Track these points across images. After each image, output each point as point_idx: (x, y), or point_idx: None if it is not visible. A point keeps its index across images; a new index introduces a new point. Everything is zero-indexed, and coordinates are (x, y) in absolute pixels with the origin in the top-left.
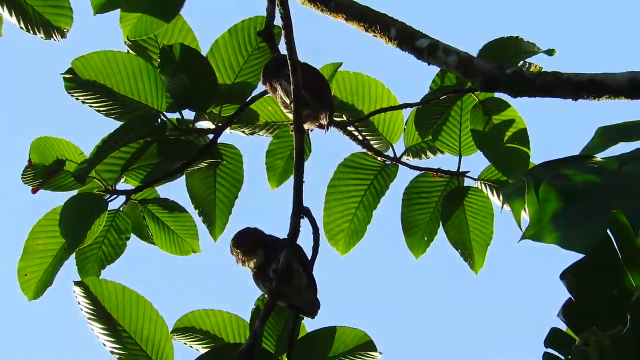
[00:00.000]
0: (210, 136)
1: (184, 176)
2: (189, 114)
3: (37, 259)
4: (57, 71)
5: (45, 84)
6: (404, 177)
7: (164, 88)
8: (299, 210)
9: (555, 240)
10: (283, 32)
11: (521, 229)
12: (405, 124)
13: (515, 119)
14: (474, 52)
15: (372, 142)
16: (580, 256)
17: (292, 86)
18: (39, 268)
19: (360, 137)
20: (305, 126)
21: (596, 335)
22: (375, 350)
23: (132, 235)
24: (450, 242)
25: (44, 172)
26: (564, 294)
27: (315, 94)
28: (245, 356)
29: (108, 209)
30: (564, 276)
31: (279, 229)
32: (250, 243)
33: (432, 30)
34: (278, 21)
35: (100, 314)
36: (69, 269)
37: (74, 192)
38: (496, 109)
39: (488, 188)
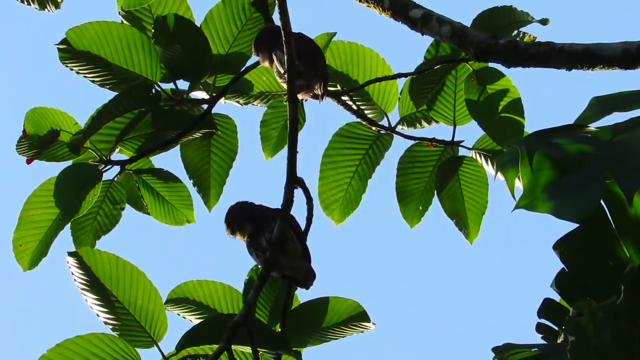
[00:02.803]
0: (205, 106)
1: (178, 146)
2: (183, 84)
3: (32, 230)
4: (52, 42)
5: (40, 54)
6: (398, 147)
7: (158, 58)
8: (293, 180)
9: (549, 209)
10: (277, 2)
11: (515, 199)
12: (400, 94)
13: (509, 89)
14: (467, 22)
15: (366, 112)
16: (573, 226)
17: (286, 56)
18: (34, 238)
19: (354, 107)
20: (300, 96)
21: (590, 306)
22: (368, 320)
23: (127, 206)
24: (445, 211)
25: (38, 143)
26: (558, 264)
27: (309, 64)
28: (238, 326)
29: (103, 179)
30: (557, 246)
31: (273, 199)
32: (238, 222)
33: (425, 1)
34: None
35: (94, 284)
36: (64, 239)
37: (69, 163)
38: (490, 79)
39: (482, 157)
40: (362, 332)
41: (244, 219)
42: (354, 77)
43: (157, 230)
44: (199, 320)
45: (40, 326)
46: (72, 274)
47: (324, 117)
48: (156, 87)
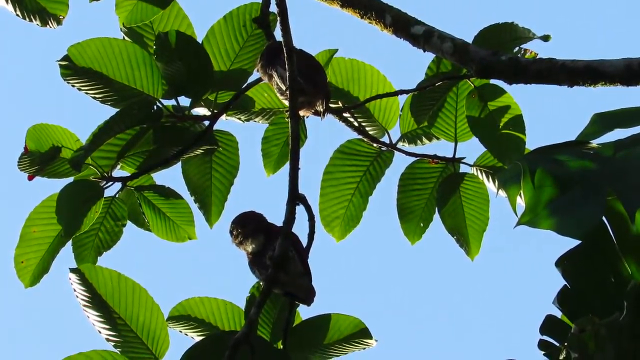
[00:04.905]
0: (206, 123)
1: (180, 163)
2: (184, 101)
3: (33, 246)
4: (53, 58)
5: (41, 71)
6: (399, 164)
7: (160, 75)
8: (295, 197)
9: (551, 226)
10: (279, 18)
11: (516, 215)
12: (401, 111)
13: (510, 105)
14: (469, 39)
15: (367, 129)
16: (575, 243)
17: (287, 73)
18: (35, 255)
19: (355, 124)
20: (301, 113)
21: (592, 323)
22: (370, 337)
23: (128, 222)
24: (445, 228)
25: (40, 159)
26: (560, 281)
27: (310, 81)
28: (240, 344)
29: (104, 195)
30: (559, 263)
31: (275, 216)
32: (254, 226)
33: (427, 17)
34: (274, 8)
35: (96, 301)
36: (66, 256)
37: (70, 179)
38: (492, 95)
39: (484, 174)
40: (364, 348)
41: (261, 229)
42: (355, 94)
43: (159, 246)
44: (201, 337)
45: (42, 343)
46: (74, 290)
47: (325, 134)
48: (157, 104)
